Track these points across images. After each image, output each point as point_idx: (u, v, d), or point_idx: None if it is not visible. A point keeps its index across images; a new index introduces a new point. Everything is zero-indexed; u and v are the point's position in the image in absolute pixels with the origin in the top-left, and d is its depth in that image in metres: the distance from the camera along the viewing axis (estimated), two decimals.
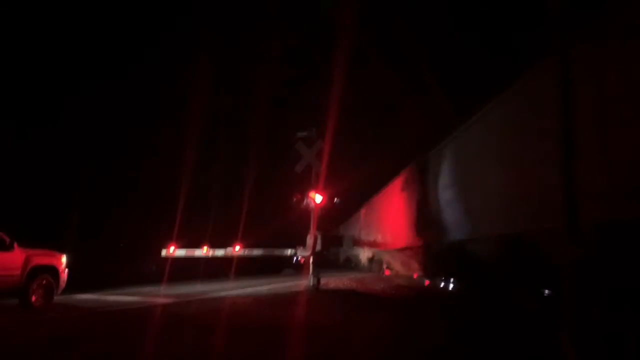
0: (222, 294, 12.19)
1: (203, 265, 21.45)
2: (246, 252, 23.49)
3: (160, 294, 12.36)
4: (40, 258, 9.30)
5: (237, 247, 23.10)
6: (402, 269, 17.26)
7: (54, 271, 9.46)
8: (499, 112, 8.40)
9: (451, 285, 11.89)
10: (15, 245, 8.77)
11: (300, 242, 13.50)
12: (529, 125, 6.99)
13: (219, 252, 22.65)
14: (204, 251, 22.03)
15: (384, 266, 20.45)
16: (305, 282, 12.70)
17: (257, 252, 23.99)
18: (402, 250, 15.59)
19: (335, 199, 12.88)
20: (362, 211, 25.62)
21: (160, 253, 20.65)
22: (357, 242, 26.37)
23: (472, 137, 9.71)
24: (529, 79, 7.08)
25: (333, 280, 15.63)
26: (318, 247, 12.55)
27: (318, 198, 12.34)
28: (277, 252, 24.77)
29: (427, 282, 13.56)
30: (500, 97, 8.29)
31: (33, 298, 8.98)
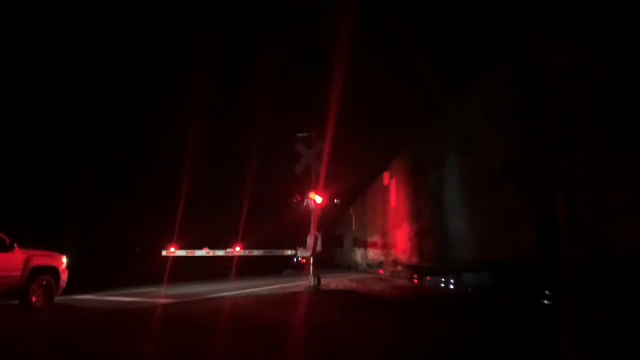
0: (223, 294, 12.19)
1: (203, 265, 21.48)
2: (246, 252, 23.50)
3: (161, 295, 12.35)
4: (41, 259, 9.31)
5: (237, 248, 23.12)
6: (401, 269, 17.26)
7: (54, 272, 9.46)
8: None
9: (451, 286, 11.90)
10: (16, 245, 8.77)
11: (300, 242, 13.48)
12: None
13: (220, 253, 22.68)
14: (204, 251, 22.06)
15: (380, 266, 20.46)
16: (305, 282, 12.70)
17: (257, 252, 24.01)
18: (401, 251, 15.59)
19: (336, 200, 12.86)
20: (360, 211, 25.63)
21: (160, 253, 20.68)
22: (357, 243, 26.38)
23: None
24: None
25: (333, 281, 15.63)
26: (318, 248, 12.54)
27: (318, 199, 12.35)
28: (277, 252, 24.78)
29: (427, 282, 13.57)
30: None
31: (33, 299, 8.99)
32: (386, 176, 17.17)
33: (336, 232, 33.63)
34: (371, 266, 23.23)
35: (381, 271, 20.59)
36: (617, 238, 4.96)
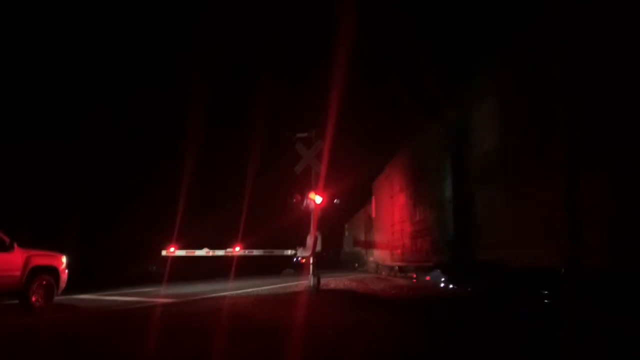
0: (223, 294, 12.19)
1: (203, 265, 21.50)
2: (246, 252, 23.51)
3: (161, 294, 12.36)
4: (41, 258, 9.31)
5: (237, 248, 23.13)
6: (400, 268, 17.26)
7: (54, 271, 9.47)
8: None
9: (451, 285, 11.91)
10: (16, 245, 8.77)
11: (300, 242, 13.48)
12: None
13: (220, 252, 22.69)
14: (204, 251, 22.07)
15: (381, 266, 20.45)
16: (305, 282, 12.70)
17: (257, 252, 24.02)
18: (402, 251, 15.58)
19: (335, 200, 12.85)
20: (361, 210, 25.62)
21: (160, 253, 20.70)
22: (358, 243, 26.39)
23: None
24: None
25: (333, 281, 15.64)
26: (318, 248, 12.54)
27: (318, 199, 12.35)
28: (277, 252, 24.80)
29: (427, 282, 13.58)
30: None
31: (33, 298, 8.99)
32: (388, 174, 17.15)
33: (338, 231, 33.69)
34: (373, 266, 23.23)
35: (382, 271, 20.59)
36: (617, 238, 4.97)
